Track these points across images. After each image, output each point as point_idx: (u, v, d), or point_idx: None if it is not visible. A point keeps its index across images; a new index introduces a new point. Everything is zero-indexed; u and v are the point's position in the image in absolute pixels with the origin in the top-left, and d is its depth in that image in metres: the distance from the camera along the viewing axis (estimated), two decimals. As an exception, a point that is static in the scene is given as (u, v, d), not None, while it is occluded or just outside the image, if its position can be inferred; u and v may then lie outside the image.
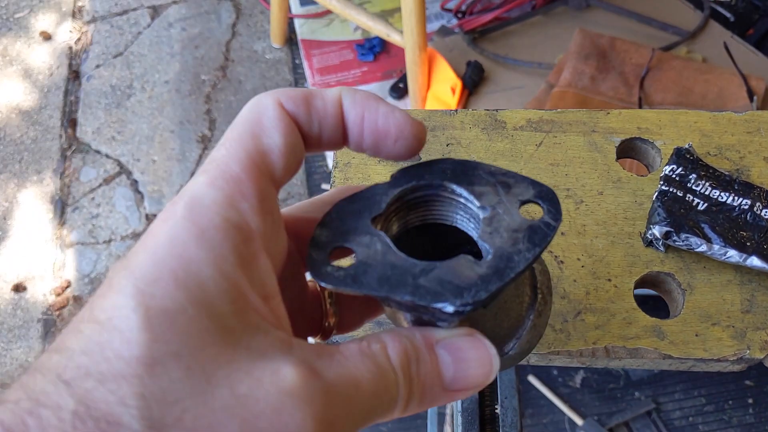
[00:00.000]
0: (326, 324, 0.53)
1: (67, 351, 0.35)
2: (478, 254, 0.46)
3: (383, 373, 0.41)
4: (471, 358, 0.44)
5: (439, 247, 0.55)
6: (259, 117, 0.44)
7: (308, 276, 0.51)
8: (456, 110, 0.82)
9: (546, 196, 0.46)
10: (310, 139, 0.46)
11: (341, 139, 0.47)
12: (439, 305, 0.41)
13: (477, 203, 0.46)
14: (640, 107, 1.83)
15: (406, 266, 0.43)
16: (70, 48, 2.94)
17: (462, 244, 0.51)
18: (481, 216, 0.46)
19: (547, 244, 0.44)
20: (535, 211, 0.46)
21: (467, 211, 0.48)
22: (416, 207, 0.50)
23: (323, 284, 0.43)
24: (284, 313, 0.42)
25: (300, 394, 0.36)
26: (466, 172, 0.48)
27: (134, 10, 3.03)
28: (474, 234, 0.48)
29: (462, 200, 0.48)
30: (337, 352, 0.41)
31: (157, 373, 0.34)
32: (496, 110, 0.81)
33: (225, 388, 0.35)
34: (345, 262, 0.45)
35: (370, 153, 0.48)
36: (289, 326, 0.42)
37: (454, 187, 0.47)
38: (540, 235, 0.44)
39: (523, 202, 0.46)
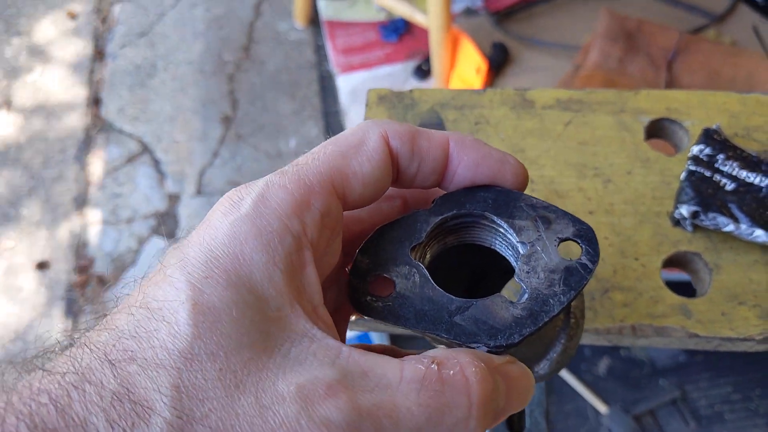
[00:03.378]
0: None
1: (117, 331, 0.37)
2: (511, 271, 0.47)
3: (449, 407, 0.39)
4: (519, 388, 0.44)
5: (474, 265, 0.56)
6: (360, 142, 0.45)
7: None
8: (485, 89, 0.82)
9: (585, 236, 0.46)
10: (405, 175, 0.48)
11: (436, 180, 0.49)
12: (474, 345, 0.43)
13: (516, 238, 0.47)
14: (668, 90, 1.81)
15: (442, 302, 0.44)
16: (96, 28, 2.95)
17: (495, 262, 0.51)
18: (520, 251, 0.46)
19: (583, 287, 0.44)
20: (574, 250, 0.47)
21: (505, 239, 0.49)
22: (456, 231, 0.50)
23: (364, 317, 0.45)
24: (330, 321, 0.43)
25: (319, 419, 0.36)
26: (508, 204, 0.48)
27: (159, -10, 3.04)
28: (512, 260, 0.49)
29: (501, 230, 0.49)
30: (392, 372, 0.39)
31: (194, 368, 0.36)
32: (525, 89, 0.81)
33: (251, 396, 0.36)
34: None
35: None
36: (336, 333, 0.43)
37: (494, 218, 0.48)
38: (576, 277, 0.44)
39: (562, 240, 0.46)
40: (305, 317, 0.40)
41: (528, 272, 0.45)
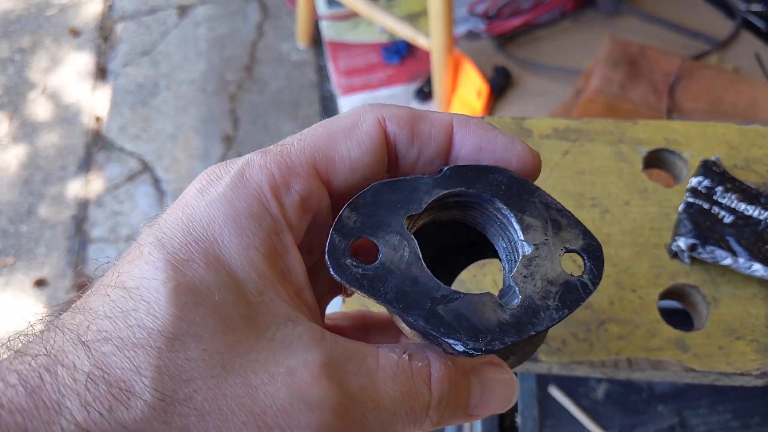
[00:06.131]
0: None
1: (91, 313, 0.36)
2: (492, 252, 0.45)
3: (415, 395, 0.41)
4: (498, 390, 0.45)
5: (457, 239, 0.52)
6: (352, 125, 0.44)
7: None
8: (483, 117, 0.81)
9: (593, 253, 0.44)
10: (405, 161, 0.46)
11: (440, 165, 0.46)
12: (450, 341, 0.40)
13: (521, 236, 0.44)
14: (669, 116, 1.81)
15: (428, 286, 0.41)
16: (99, 46, 2.96)
17: (481, 243, 0.49)
18: (521, 248, 0.43)
19: (578, 308, 0.42)
20: (578, 264, 0.44)
21: (504, 233, 0.46)
22: (455, 208, 0.47)
23: (338, 279, 0.41)
24: (315, 305, 0.42)
25: (310, 401, 0.36)
26: (521, 195, 0.45)
27: (162, 9, 3.05)
28: (501, 250, 0.46)
29: (505, 222, 0.45)
30: (371, 358, 0.40)
31: (176, 348, 0.35)
32: (523, 118, 0.81)
33: (239, 376, 0.36)
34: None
35: None
36: (320, 318, 0.43)
37: (503, 208, 0.45)
38: (574, 295, 0.42)
39: (568, 251, 0.44)
40: (288, 301, 0.40)
41: (525, 277, 0.42)
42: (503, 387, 0.45)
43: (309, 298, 0.42)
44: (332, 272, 0.41)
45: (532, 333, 0.40)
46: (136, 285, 0.37)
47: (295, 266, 0.41)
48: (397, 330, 0.53)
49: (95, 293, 0.38)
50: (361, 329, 0.54)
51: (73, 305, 0.38)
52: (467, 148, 0.45)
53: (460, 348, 0.40)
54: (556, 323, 0.41)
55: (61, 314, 0.38)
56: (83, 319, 0.36)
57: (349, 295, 0.52)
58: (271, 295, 0.39)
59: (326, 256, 0.41)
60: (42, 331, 0.36)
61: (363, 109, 0.45)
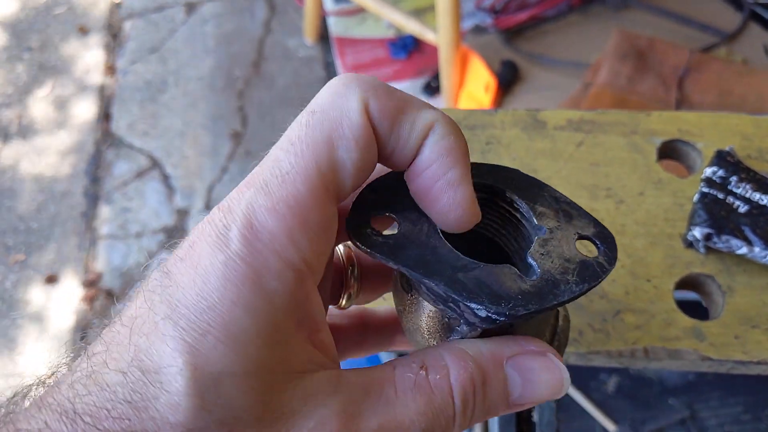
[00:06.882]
0: (347, 294, 0.50)
1: (109, 392, 0.35)
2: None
3: (439, 410, 0.40)
4: (542, 380, 0.43)
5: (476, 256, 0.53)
6: (340, 120, 0.39)
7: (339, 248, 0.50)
8: (496, 109, 0.81)
9: (605, 239, 0.44)
10: (381, 153, 0.42)
11: (406, 165, 0.43)
12: (473, 305, 0.39)
13: (535, 221, 0.44)
14: (678, 108, 1.81)
15: (448, 256, 0.41)
16: (107, 43, 2.96)
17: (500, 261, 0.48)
18: (535, 236, 0.44)
19: (597, 284, 0.42)
20: (590, 250, 0.44)
21: (516, 230, 0.46)
22: None
23: (360, 246, 0.41)
24: (330, 341, 0.41)
25: None
26: (532, 189, 0.46)
27: (170, 6, 3.06)
28: (513, 255, 0.47)
29: (518, 215, 0.46)
30: (388, 386, 0.40)
31: None
32: (537, 110, 0.81)
33: None
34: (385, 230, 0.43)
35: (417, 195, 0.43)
36: (335, 354, 0.42)
37: (516, 198, 0.45)
38: (591, 273, 0.42)
39: (581, 237, 0.44)
40: (304, 349, 0.38)
41: (543, 255, 0.42)
42: (547, 375, 0.43)
43: (325, 338, 0.40)
44: (353, 240, 0.41)
45: (555, 302, 0.40)
46: (154, 369, 0.35)
47: (315, 312, 0.39)
48: (395, 329, 0.54)
49: (110, 367, 0.36)
50: (359, 328, 0.54)
51: (88, 373, 0.36)
52: (422, 159, 0.42)
53: (483, 313, 0.40)
54: (577, 297, 0.41)
55: (73, 374, 0.36)
56: (100, 400, 0.35)
57: (344, 308, 0.51)
58: (290, 349, 0.38)
59: (347, 227, 0.41)
60: (60, 414, 0.35)
61: (344, 91, 0.40)
